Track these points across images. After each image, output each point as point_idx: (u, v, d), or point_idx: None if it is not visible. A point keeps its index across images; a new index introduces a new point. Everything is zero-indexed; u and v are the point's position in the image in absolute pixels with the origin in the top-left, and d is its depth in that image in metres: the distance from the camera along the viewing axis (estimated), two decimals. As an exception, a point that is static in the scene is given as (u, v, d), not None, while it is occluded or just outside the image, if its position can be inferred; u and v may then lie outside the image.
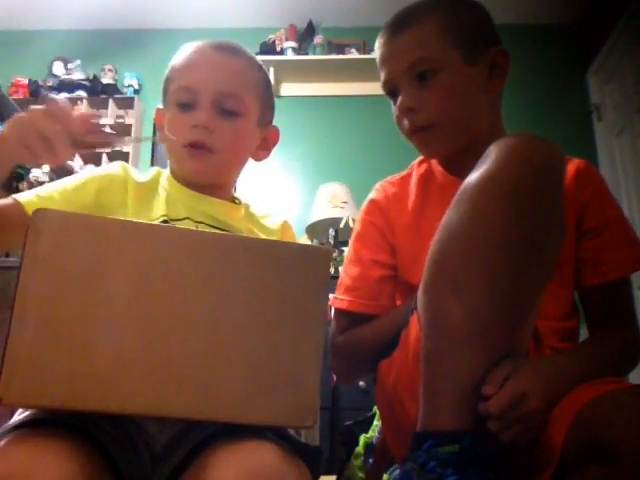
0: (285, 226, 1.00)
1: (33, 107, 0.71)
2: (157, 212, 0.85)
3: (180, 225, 0.82)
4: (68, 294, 0.52)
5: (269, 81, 0.99)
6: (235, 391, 0.52)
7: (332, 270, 2.92)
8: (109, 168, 0.91)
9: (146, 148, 3.55)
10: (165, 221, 0.84)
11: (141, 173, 0.93)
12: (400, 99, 0.93)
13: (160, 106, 0.97)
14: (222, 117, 0.88)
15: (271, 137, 1.00)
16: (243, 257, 0.55)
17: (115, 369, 0.52)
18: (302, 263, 0.56)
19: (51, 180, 3.04)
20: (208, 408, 0.53)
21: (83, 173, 0.91)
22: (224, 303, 0.54)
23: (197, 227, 0.86)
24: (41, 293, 0.52)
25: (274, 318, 0.54)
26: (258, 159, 0.99)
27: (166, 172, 0.95)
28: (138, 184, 0.89)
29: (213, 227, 0.88)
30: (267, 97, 0.97)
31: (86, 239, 0.54)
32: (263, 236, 0.94)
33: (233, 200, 0.98)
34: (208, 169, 0.89)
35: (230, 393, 0.52)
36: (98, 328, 0.52)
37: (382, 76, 0.97)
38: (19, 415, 0.64)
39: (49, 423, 0.56)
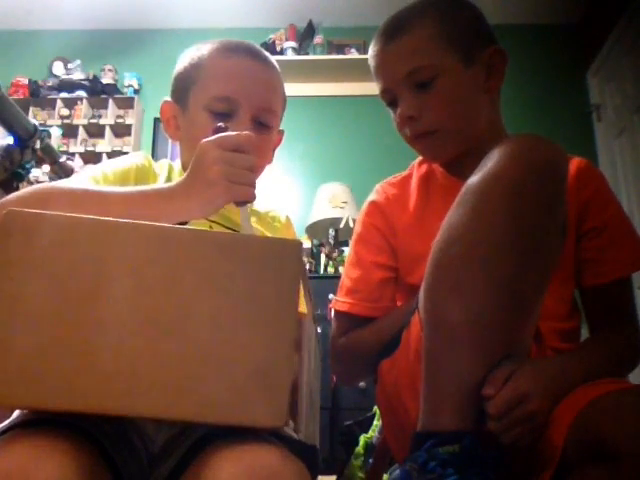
0: (288, 222, 1.00)
1: (212, 143, 0.69)
2: None
3: (195, 224, 0.81)
4: (37, 294, 0.52)
5: (284, 85, 0.99)
6: (204, 390, 0.51)
7: (332, 270, 2.92)
8: (139, 158, 0.91)
9: (146, 149, 3.55)
10: (181, 223, 0.84)
11: (156, 164, 0.93)
12: (400, 108, 0.93)
13: (168, 99, 0.95)
14: (257, 131, 0.87)
15: (279, 140, 1.01)
16: (212, 253, 0.54)
17: (82, 369, 0.51)
18: (272, 257, 0.54)
19: (51, 180, 3.04)
20: (176, 408, 0.51)
21: (119, 160, 0.90)
22: (192, 300, 0.52)
23: (211, 226, 0.86)
24: (10, 293, 0.52)
25: (243, 315, 0.52)
26: (269, 163, 1.00)
27: (177, 167, 0.94)
28: (158, 179, 0.89)
29: (225, 227, 0.88)
30: (285, 103, 0.98)
31: (56, 238, 0.54)
32: (269, 234, 0.94)
33: None
34: None
35: (199, 392, 0.51)
36: (64, 327, 0.52)
37: (379, 86, 0.97)
38: (18, 414, 0.64)
39: (48, 422, 0.56)
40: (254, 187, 0.70)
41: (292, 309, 0.53)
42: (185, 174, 0.72)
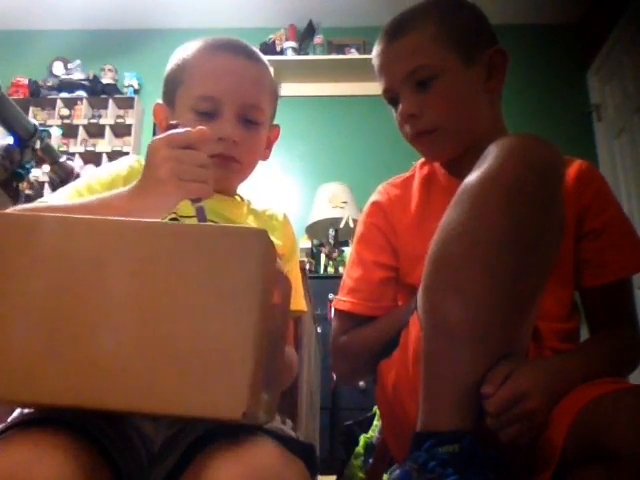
0: (285, 219, 1.00)
1: (162, 141, 0.69)
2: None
3: (186, 222, 0.81)
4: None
5: (274, 79, 0.98)
6: (164, 382, 0.50)
7: (332, 270, 2.92)
8: (128, 161, 0.91)
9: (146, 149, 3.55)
10: (174, 218, 0.84)
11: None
12: (401, 106, 0.93)
13: (160, 101, 0.95)
14: (245, 128, 0.88)
15: (274, 135, 1.00)
16: (173, 244, 0.53)
17: (38, 361, 0.52)
18: (234, 246, 0.52)
19: (51, 180, 3.04)
20: (135, 400, 0.51)
21: (106, 168, 0.91)
22: (156, 293, 0.52)
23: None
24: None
25: (205, 306, 0.51)
26: (264, 159, 1.00)
27: None
28: None
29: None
30: (276, 98, 0.97)
31: (15, 237, 0.54)
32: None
33: (235, 197, 0.98)
34: (234, 178, 0.92)
35: (159, 385, 0.50)
36: (18, 320, 0.53)
37: (381, 84, 0.97)
38: (18, 413, 0.64)
39: (48, 421, 0.56)
40: (207, 183, 0.69)
41: (255, 298, 0.51)
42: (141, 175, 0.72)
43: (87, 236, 0.54)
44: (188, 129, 0.70)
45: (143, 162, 0.93)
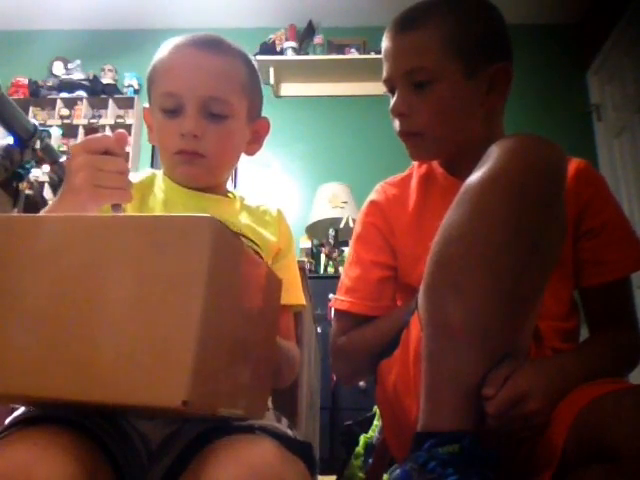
0: (279, 215, 0.99)
1: (80, 147, 0.69)
2: (155, 212, 0.85)
3: None
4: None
5: (255, 72, 0.95)
6: (110, 371, 0.51)
7: (332, 270, 2.92)
8: (140, 176, 0.91)
9: (146, 150, 3.55)
10: None
11: (133, 174, 0.92)
12: (394, 101, 0.93)
13: (147, 105, 0.94)
14: (209, 121, 0.86)
15: (262, 129, 0.97)
16: (124, 235, 0.54)
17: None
18: (183, 235, 0.52)
19: (51, 180, 3.04)
20: (81, 388, 0.51)
21: None
22: (105, 283, 0.52)
23: None
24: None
25: (151, 294, 0.51)
26: (251, 153, 0.98)
27: (160, 173, 0.94)
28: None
29: None
30: (254, 91, 0.94)
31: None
32: (261, 229, 0.93)
33: (228, 195, 0.97)
34: (201, 173, 0.89)
35: (105, 373, 0.51)
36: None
37: (384, 70, 0.96)
38: (19, 413, 0.64)
39: (49, 419, 0.56)
40: (124, 189, 0.69)
41: (200, 284, 0.51)
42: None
43: (40, 236, 0.55)
44: (104, 134, 0.70)
45: (158, 173, 0.93)
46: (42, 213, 0.72)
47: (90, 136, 0.70)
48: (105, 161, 0.68)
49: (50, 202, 0.75)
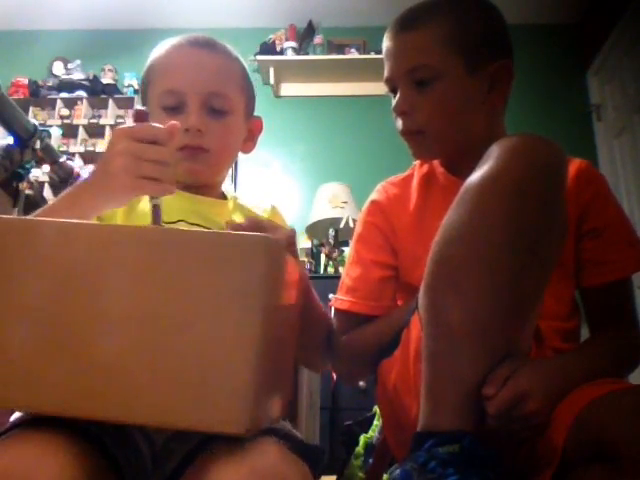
0: (274, 211, 1.00)
1: (123, 132, 0.66)
2: (149, 217, 0.85)
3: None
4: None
5: (247, 71, 0.98)
6: (164, 394, 0.49)
7: (332, 270, 2.92)
8: None
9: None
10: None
11: None
12: (396, 100, 0.93)
13: (139, 107, 0.95)
14: (212, 117, 0.88)
15: (256, 127, 1.00)
16: (173, 252, 0.51)
17: (37, 369, 0.51)
18: (237, 254, 0.50)
19: (51, 180, 3.04)
20: (133, 411, 0.50)
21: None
22: (157, 302, 0.50)
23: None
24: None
25: (208, 316, 0.50)
26: (246, 151, 0.99)
27: None
28: None
29: (206, 228, 0.87)
30: (249, 89, 0.97)
31: (15, 242, 0.53)
32: None
33: (222, 196, 0.98)
34: (204, 169, 0.90)
35: (159, 396, 0.49)
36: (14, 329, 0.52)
37: (385, 70, 0.96)
38: (18, 413, 0.64)
39: (50, 421, 0.56)
40: (165, 181, 0.65)
41: (258, 309, 0.50)
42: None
43: (87, 242, 0.53)
44: (155, 125, 0.67)
45: None
46: (61, 198, 0.70)
47: (139, 123, 0.67)
48: (149, 150, 0.64)
49: (69, 189, 0.71)
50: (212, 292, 0.50)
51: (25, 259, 0.53)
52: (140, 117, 0.67)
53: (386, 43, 0.95)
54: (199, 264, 0.51)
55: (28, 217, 0.58)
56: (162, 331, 0.50)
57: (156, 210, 0.66)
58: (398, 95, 0.93)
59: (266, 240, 0.52)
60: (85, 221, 0.55)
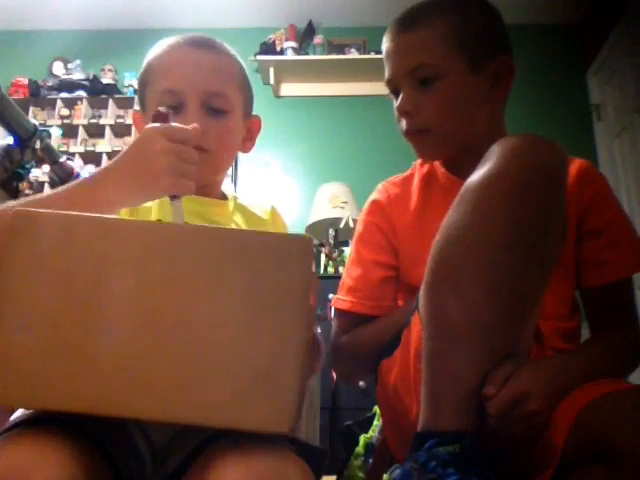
0: (274, 212, 1.00)
1: (159, 132, 0.67)
2: (149, 217, 0.85)
3: None
4: (39, 293, 0.52)
5: (245, 70, 0.98)
6: (204, 393, 0.49)
7: (332, 270, 2.92)
8: None
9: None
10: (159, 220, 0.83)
11: None
12: (399, 100, 0.93)
13: (137, 108, 0.95)
14: (211, 117, 0.87)
15: (254, 127, 0.99)
16: (217, 250, 0.51)
17: (82, 369, 0.51)
18: (280, 254, 0.51)
19: (51, 180, 3.04)
20: (174, 410, 0.50)
21: None
22: (193, 299, 0.50)
23: None
24: (12, 292, 0.52)
25: (247, 315, 0.50)
26: (245, 151, 0.99)
27: None
28: None
29: None
30: (248, 88, 0.97)
31: (58, 237, 0.53)
32: (256, 229, 0.93)
33: (222, 196, 0.97)
34: (204, 169, 0.89)
35: (198, 395, 0.49)
36: (65, 327, 0.52)
37: (386, 73, 0.96)
38: (20, 413, 0.64)
39: (49, 421, 0.56)
40: (194, 181, 0.69)
41: (301, 309, 0.50)
42: (119, 158, 0.69)
43: (125, 240, 0.53)
44: (184, 126, 0.69)
45: None
46: (72, 191, 0.69)
47: (172, 124, 0.69)
48: (188, 151, 0.68)
49: (92, 180, 0.70)
50: (254, 292, 0.50)
51: (54, 248, 0.53)
52: (162, 118, 0.69)
53: (386, 44, 0.95)
54: (241, 263, 0.51)
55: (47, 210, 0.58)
56: (204, 331, 0.50)
57: (180, 209, 0.68)
58: (401, 95, 0.93)
59: (310, 240, 0.52)
60: (125, 218, 0.55)
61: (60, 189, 0.73)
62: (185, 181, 0.67)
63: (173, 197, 0.68)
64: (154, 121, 0.69)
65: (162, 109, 0.70)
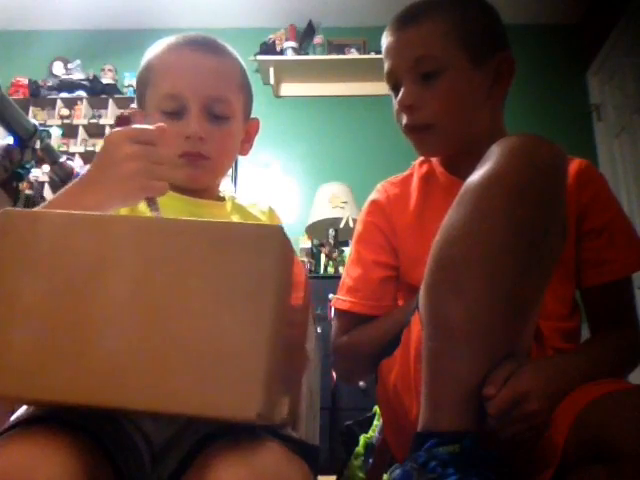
0: (271, 212, 0.99)
1: (124, 135, 0.66)
2: (147, 214, 0.85)
3: None
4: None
5: (246, 71, 0.96)
6: (176, 381, 0.50)
7: (332, 270, 2.92)
8: None
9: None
10: None
11: None
12: (400, 95, 0.92)
13: (134, 106, 0.94)
14: (212, 123, 0.87)
15: (253, 129, 0.99)
16: (189, 241, 0.52)
17: (69, 361, 0.51)
18: (251, 243, 0.51)
19: (51, 180, 3.04)
20: (147, 399, 0.50)
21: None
22: (171, 290, 0.51)
23: None
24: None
25: (219, 303, 0.50)
26: (243, 153, 0.99)
27: None
28: None
29: None
30: (248, 90, 0.96)
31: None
32: None
33: (219, 198, 0.97)
34: (204, 175, 0.89)
35: (171, 383, 0.50)
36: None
37: (385, 67, 0.96)
38: (20, 412, 0.64)
39: (49, 420, 0.56)
40: (164, 181, 0.68)
41: (271, 298, 0.51)
42: (91, 166, 0.68)
43: (94, 234, 0.54)
44: (147, 126, 0.68)
45: None
46: (56, 198, 0.69)
47: (134, 126, 0.68)
48: (155, 152, 0.66)
49: (65, 190, 0.70)
50: (224, 281, 0.51)
51: (33, 248, 0.54)
52: (125, 121, 0.69)
53: (387, 39, 0.95)
54: (211, 253, 0.52)
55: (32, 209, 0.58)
56: (172, 319, 0.51)
57: (154, 206, 0.67)
58: (402, 89, 0.92)
59: (280, 229, 0.53)
60: (92, 213, 0.55)
61: (48, 201, 0.72)
62: (155, 182, 0.66)
63: (149, 200, 0.68)
64: (117, 126, 0.69)
65: (124, 113, 0.71)
